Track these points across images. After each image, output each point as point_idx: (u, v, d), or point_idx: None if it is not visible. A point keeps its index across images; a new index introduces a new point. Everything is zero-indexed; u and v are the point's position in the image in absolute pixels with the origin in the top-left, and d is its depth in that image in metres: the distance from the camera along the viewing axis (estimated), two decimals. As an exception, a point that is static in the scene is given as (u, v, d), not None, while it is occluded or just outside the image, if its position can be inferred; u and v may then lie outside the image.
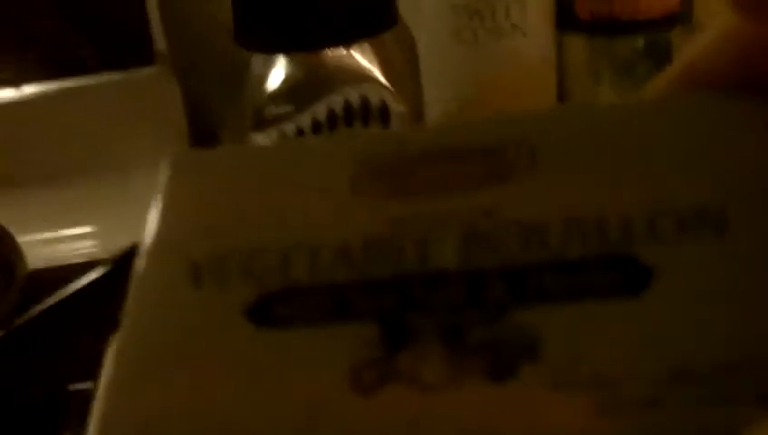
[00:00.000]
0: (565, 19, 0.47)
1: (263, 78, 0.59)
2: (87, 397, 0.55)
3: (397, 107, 0.58)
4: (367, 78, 0.58)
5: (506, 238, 0.18)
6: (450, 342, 0.17)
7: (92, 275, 0.46)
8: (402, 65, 0.59)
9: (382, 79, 0.58)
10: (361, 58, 0.58)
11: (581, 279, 0.17)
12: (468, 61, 0.45)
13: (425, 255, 0.18)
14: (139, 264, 0.19)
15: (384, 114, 0.58)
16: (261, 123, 0.58)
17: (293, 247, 0.18)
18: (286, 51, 0.58)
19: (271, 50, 0.59)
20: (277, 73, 0.58)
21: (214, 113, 0.63)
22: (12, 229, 0.63)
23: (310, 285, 0.18)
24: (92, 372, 0.19)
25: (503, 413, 0.16)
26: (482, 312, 0.17)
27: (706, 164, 0.18)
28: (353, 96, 0.57)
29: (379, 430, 0.16)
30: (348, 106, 0.57)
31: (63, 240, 0.69)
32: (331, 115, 0.57)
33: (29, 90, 0.68)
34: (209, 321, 0.18)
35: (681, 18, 0.48)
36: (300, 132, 0.57)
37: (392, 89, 0.58)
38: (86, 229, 0.69)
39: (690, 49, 0.20)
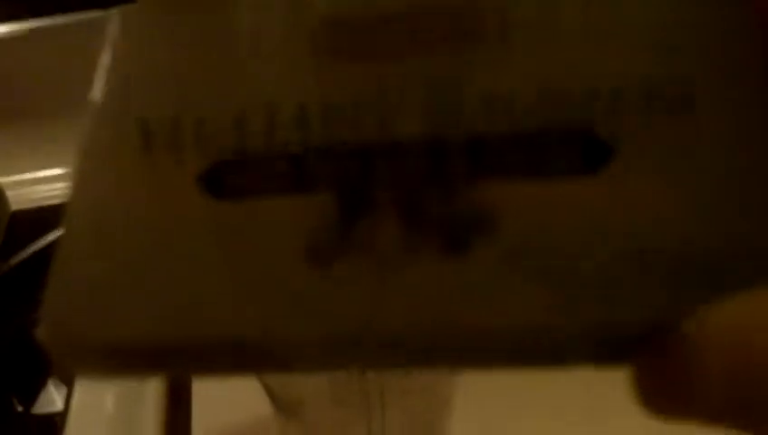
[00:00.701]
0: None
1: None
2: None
3: None
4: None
5: (470, 108, 0.17)
6: (408, 214, 0.17)
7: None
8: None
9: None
10: None
11: (542, 154, 0.17)
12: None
13: (386, 123, 0.17)
14: (88, 123, 0.18)
15: None
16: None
17: (249, 110, 0.18)
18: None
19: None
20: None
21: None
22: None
23: (265, 152, 0.17)
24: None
25: (455, 290, 0.16)
26: (441, 185, 0.17)
27: (677, 37, 0.17)
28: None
29: (334, 303, 0.16)
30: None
31: (42, 181, 0.68)
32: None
33: (6, 28, 0.66)
34: (161, 188, 0.17)
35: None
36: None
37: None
38: (65, 170, 0.68)
39: None
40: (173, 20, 0.19)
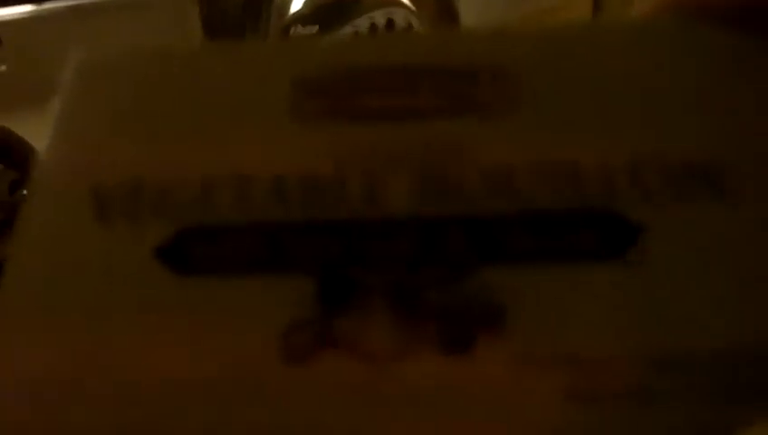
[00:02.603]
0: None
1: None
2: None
3: (423, 29, 0.57)
4: (392, 1, 0.57)
5: (469, 182, 0.15)
6: (398, 304, 0.14)
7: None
8: (429, -13, 0.59)
9: (407, 1, 0.57)
10: (387, -20, 0.58)
11: (557, 235, 0.15)
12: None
13: (372, 196, 0.15)
14: (33, 190, 0.16)
15: (410, 38, 0.57)
16: (285, 45, 0.58)
17: (218, 178, 0.15)
18: (312, -29, 0.57)
19: (296, -30, 0.58)
20: (302, -6, 0.58)
21: (237, 35, 0.62)
22: (34, 145, 0.63)
23: (235, 223, 0.15)
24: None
25: (454, 394, 0.14)
26: (437, 269, 0.14)
27: (701, 109, 0.15)
28: (379, 19, 0.57)
29: (310, 405, 0.14)
30: (374, 29, 0.57)
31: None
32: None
33: (49, 6, 0.67)
34: (115, 262, 0.15)
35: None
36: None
37: (417, 11, 0.57)
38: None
39: None
40: (134, 75, 0.17)
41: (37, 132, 0.65)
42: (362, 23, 0.57)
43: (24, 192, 0.58)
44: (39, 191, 0.16)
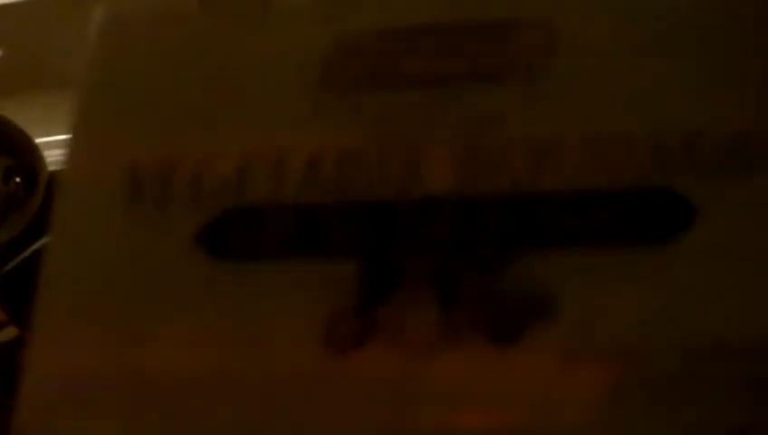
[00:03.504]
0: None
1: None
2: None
3: None
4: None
5: (513, 158, 0.14)
6: (443, 292, 0.14)
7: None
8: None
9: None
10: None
11: (606, 216, 0.14)
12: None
13: (412, 171, 0.14)
14: (69, 164, 0.15)
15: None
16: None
17: (254, 157, 0.14)
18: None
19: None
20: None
21: None
22: (29, 131, 0.63)
23: (273, 204, 0.14)
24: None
25: (503, 386, 0.13)
26: (483, 256, 0.14)
27: (756, 78, 0.14)
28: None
29: (356, 398, 0.13)
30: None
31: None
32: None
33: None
34: (153, 247, 0.14)
35: None
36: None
37: None
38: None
39: None
40: (162, 42, 0.16)
41: (33, 118, 0.65)
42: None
43: (18, 180, 0.58)
44: (73, 173, 0.15)
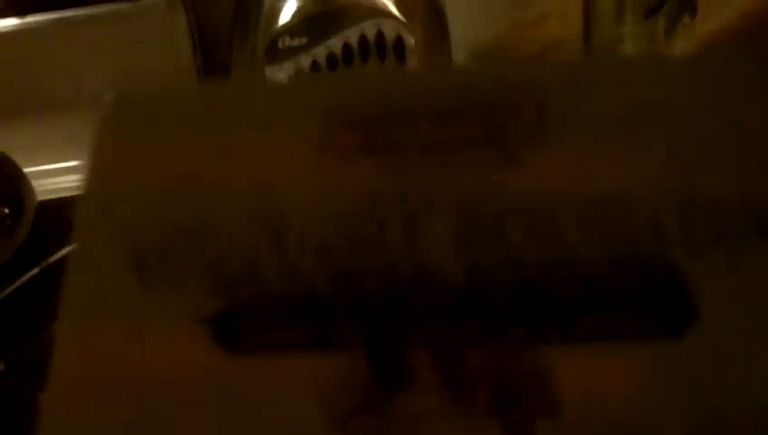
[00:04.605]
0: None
1: (276, 10, 0.58)
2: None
3: (413, 41, 0.57)
4: (382, 12, 0.57)
5: (511, 228, 0.14)
6: (451, 388, 0.13)
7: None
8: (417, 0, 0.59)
9: (397, 13, 0.57)
10: (377, -9, 0.58)
11: (615, 314, 0.14)
12: (499, 1, 0.44)
13: (412, 243, 0.14)
14: (75, 240, 0.16)
15: (399, 48, 0.57)
16: (274, 55, 0.57)
17: (257, 232, 0.15)
18: (300, -17, 0.57)
19: (285, -19, 0.58)
20: (290, 6, 0.58)
21: (225, 45, 0.62)
22: (16, 159, 0.62)
23: (281, 290, 0.14)
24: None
25: None
26: (489, 346, 0.14)
27: (751, 146, 0.15)
28: (369, 30, 0.57)
29: None
30: (363, 40, 0.57)
31: (67, 171, 0.68)
32: (347, 49, 0.57)
33: (34, 19, 0.66)
34: (162, 332, 0.14)
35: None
36: (315, 65, 0.57)
37: (407, 23, 0.57)
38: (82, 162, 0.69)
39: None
40: (168, 116, 0.17)
41: (20, 145, 0.64)
42: (352, 34, 0.57)
43: (6, 210, 0.58)
44: (83, 245, 0.16)
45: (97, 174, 0.16)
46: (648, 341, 0.14)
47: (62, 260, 0.46)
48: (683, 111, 0.15)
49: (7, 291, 0.44)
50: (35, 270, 0.44)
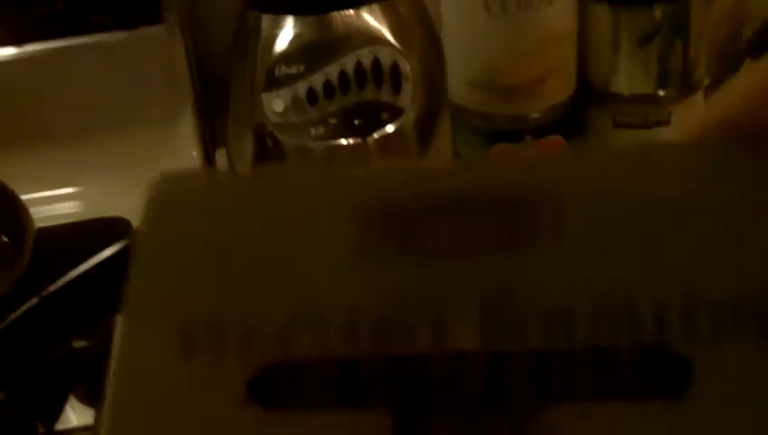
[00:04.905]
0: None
1: (273, 38, 0.58)
2: (93, 353, 0.55)
3: (408, 68, 0.57)
4: (378, 39, 0.57)
5: (530, 324, 0.16)
6: None
7: (108, 252, 0.46)
8: (413, 26, 0.59)
9: (393, 40, 0.58)
10: (372, 19, 0.58)
11: (615, 376, 0.15)
12: (495, 30, 0.44)
13: (441, 337, 0.16)
14: (123, 324, 0.17)
15: (396, 75, 0.57)
16: (272, 83, 0.58)
17: (297, 316, 0.16)
18: (296, 12, 0.58)
19: (281, 11, 0.58)
20: (287, 34, 0.58)
21: (222, 73, 0.62)
22: (14, 187, 0.63)
23: (315, 360, 0.16)
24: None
25: None
26: (508, 412, 0.15)
27: (749, 246, 0.16)
28: (365, 57, 0.57)
29: None
30: (359, 67, 0.57)
31: (65, 198, 0.69)
32: (343, 76, 0.57)
33: (31, 48, 0.67)
34: (205, 400, 0.16)
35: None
36: (311, 92, 0.57)
37: (403, 50, 0.57)
38: (88, 187, 0.69)
39: (734, 87, 0.18)
40: (211, 207, 0.18)
41: (18, 174, 0.65)
42: (348, 61, 0.57)
43: (6, 240, 0.58)
44: (130, 327, 0.17)
45: (144, 255, 0.18)
46: (649, 398, 0.15)
47: (61, 290, 0.47)
48: (687, 207, 0.17)
49: (6, 322, 0.44)
50: (34, 300, 0.45)
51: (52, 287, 0.45)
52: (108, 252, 0.44)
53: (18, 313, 0.45)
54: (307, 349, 0.16)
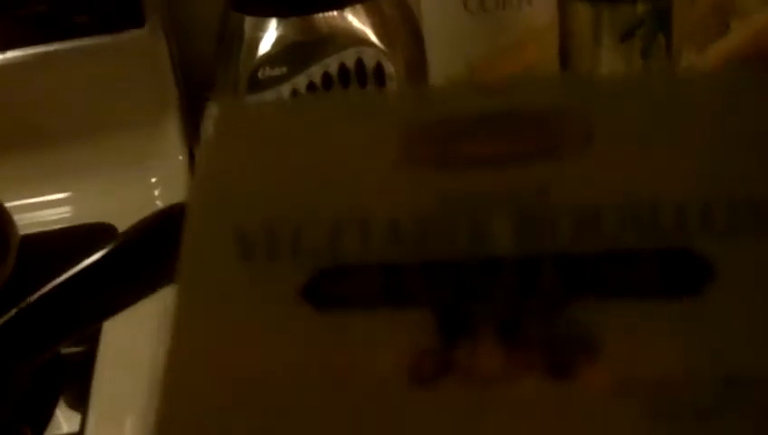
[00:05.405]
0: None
1: (256, 40, 0.58)
2: (78, 360, 0.55)
3: (392, 68, 0.57)
4: (361, 40, 0.57)
5: (561, 223, 0.17)
6: (507, 335, 0.16)
7: (94, 257, 0.46)
8: (397, 26, 0.59)
9: (377, 41, 0.57)
10: (356, 20, 0.58)
11: (640, 274, 0.17)
12: (475, 28, 0.44)
13: (478, 237, 0.17)
14: (188, 228, 0.18)
15: (380, 76, 0.57)
16: (255, 85, 0.57)
17: (343, 221, 0.18)
18: (279, 15, 0.57)
19: (263, 13, 0.58)
20: (270, 36, 0.58)
21: (207, 75, 0.62)
22: None
23: (362, 264, 0.17)
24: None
25: (558, 413, 0.16)
26: (539, 304, 0.17)
27: (764, 151, 0.17)
28: (348, 58, 0.57)
29: (436, 424, 0.16)
30: (343, 68, 0.57)
31: (50, 204, 0.68)
32: (327, 77, 0.57)
33: (15, 54, 0.66)
34: (263, 300, 0.17)
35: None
36: (295, 94, 0.57)
37: (387, 50, 0.57)
38: (73, 192, 0.68)
39: (757, 18, 0.20)
40: (264, 125, 0.20)
41: (3, 179, 0.64)
42: (332, 62, 0.57)
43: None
44: (193, 231, 0.18)
45: (205, 175, 0.19)
46: (668, 298, 0.16)
47: (46, 296, 0.47)
48: (712, 126, 0.18)
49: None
50: (13, 311, 0.44)
51: (37, 294, 0.45)
52: (93, 258, 0.44)
53: (1, 320, 0.44)
54: (353, 253, 0.18)
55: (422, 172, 0.18)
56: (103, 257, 0.44)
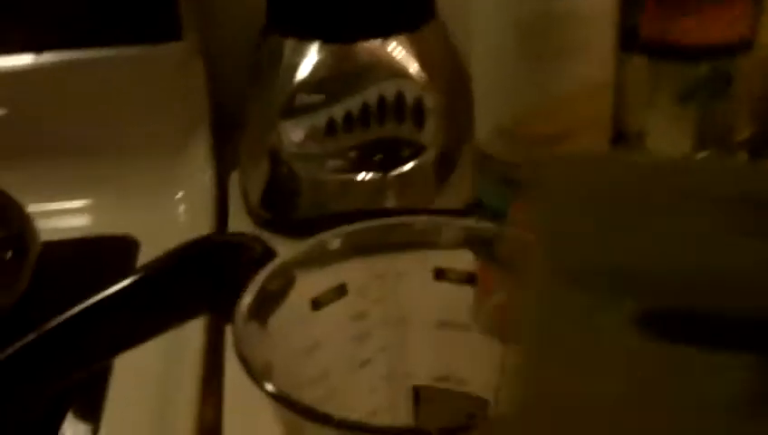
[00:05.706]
0: (628, 40, 0.46)
1: (294, 65, 0.56)
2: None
3: (433, 104, 0.56)
4: (403, 73, 0.56)
5: None
6: None
7: (123, 283, 0.44)
8: (440, 61, 0.57)
9: (418, 74, 0.56)
10: (398, 52, 0.57)
11: None
12: (528, 78, 0.43)
13: None
14: (533, 263, 0.21)
15: (419, 111, 0.56)
16: (290, 111, 0.56)
17: (673, 271, 0.19)
18: (321, 39, 0.56)
19: (305, 36, 0.57)
20: (310, 61, 0.56)
21: (239, 96, 0.61)
22: (20, 199, 0.61)
23: (690, 308, 0.19)
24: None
25: None
26: None
27: None
28: (388, 91, 0.55)
29: None
30: (382, 101, 0.56)
31: (73, 212, 0.67)
32: (365, 109, 0.55)
33: (49, 57, 0.65)
34: (601, 327, 0.19)
35: (744, 46, 0.46)
36: (331, 123, 0.56)
37: (429, 85, 0.56)
38: (98, 201, 0.68)
39: None
40: (593, 178, 0.22)
41: (24, 185, 0.63)
42: (370, 94, 0.55)
43: (10, 254, 0.56)
44: (538, 267, 0.21)
45: (541, 214, 0.22)
46: None
47: (63, 324, 0.45)
48: None
49: (4, 355, 0.43)
50: (32, 336, 0.43)
51: (57, 320, 0.44)
52: (119, 286, 0.43)
53: (18, 345, 0.43)
54: (681, 297, 0.19)
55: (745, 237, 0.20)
56: (130, 286, 0.43)
